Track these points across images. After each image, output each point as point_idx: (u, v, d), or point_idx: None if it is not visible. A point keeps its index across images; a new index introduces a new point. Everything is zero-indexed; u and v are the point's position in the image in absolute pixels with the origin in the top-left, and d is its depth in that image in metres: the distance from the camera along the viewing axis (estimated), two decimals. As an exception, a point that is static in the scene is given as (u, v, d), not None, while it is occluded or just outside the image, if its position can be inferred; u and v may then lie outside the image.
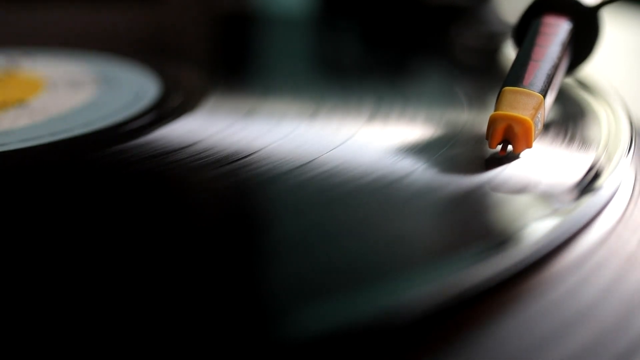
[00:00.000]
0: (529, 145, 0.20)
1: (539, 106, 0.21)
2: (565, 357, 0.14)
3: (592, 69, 0.27)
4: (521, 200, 0.19)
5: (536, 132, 0.21)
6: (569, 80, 0.27)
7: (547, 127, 0.23)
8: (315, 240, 0.17)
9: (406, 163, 0.21)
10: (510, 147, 0.21)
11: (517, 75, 0.22)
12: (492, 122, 0.20)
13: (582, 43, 0.25)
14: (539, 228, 0.17)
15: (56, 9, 0.47)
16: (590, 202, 0.18)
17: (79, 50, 0.36)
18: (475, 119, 0.24)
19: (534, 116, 0.21)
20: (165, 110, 0.27)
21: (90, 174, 0.22)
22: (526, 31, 0.24)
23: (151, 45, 0.41)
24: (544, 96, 0.21)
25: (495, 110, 0.21)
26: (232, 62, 0.37)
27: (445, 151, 0.21)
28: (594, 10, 0.25)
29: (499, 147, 0.21)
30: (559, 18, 0.24)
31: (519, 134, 0.20)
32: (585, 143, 0.22)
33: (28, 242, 0.17)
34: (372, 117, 0.25)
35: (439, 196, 0.19)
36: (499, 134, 0.20)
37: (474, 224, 0.18)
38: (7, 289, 0.15)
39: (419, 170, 0.20)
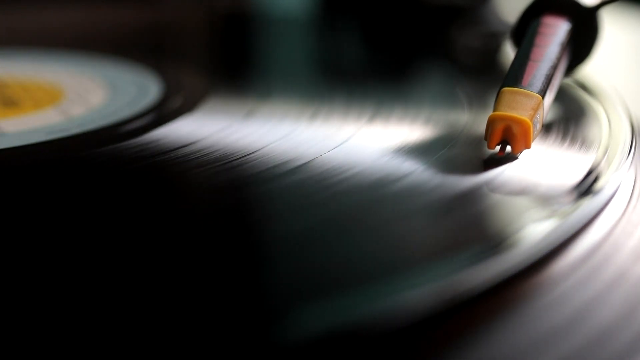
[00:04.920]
0: (527, 146, 0.20)
1: (537, 107, 0.21)
2: (562, 358, 0.14)
3: (592, 69, 0.27)
4: (520, 202, 0.19)
5: (535, 132, 0.21)
6: (569, 81, 0.27)
7: (546, 127, 0.23)
8: (313, 241, 0.17)
9: (405, 164, 0.21)
10: (509, 148, 0.21)
11: (515, 75, 0.22)
12: (491, 122, 0.20)
13: (582, 43, 0.25)
14: (537, 230, 0.17)
15: (56, 9, 0.47)
16: (590, 203, 0.18)
17: (78, 50, 0.36)
18: (475, 119, 0.24)
19: (532, 117, 0.21)
20: (166, 110, 0.27)
21: (89, 172, 0.22)
22: (525, 31, 0.24)
23: (151, 45, 0.41)
24: (543, 97, 0.21)
25: (494, 110, 0.21)
26: (232, 63, 0.37)
27: (445, 152, 0.21)
28: (594, 11, 0.25)
29: (498, 147, 0.21)
30: (558, 18, 0.24)
31: (517, 135, 0.20)
32: (585, 144, 0.22)
33: (27, 241, 0.17)
34: (371, 117, 0.25)
35: (437, 197, 0.19)
36: (497, 135, 0.20)
37: (473, 225, 0.18)
38: (7, 286, 0.15)
39: (417, 171, 0.20)
